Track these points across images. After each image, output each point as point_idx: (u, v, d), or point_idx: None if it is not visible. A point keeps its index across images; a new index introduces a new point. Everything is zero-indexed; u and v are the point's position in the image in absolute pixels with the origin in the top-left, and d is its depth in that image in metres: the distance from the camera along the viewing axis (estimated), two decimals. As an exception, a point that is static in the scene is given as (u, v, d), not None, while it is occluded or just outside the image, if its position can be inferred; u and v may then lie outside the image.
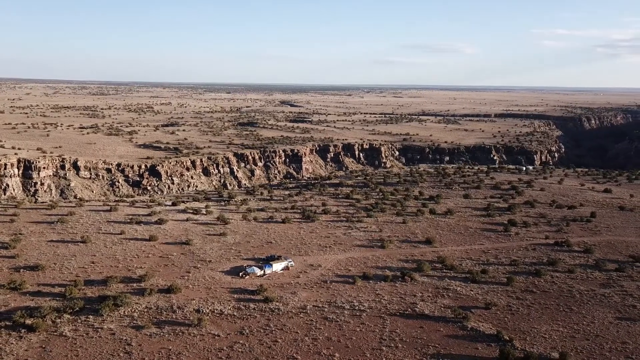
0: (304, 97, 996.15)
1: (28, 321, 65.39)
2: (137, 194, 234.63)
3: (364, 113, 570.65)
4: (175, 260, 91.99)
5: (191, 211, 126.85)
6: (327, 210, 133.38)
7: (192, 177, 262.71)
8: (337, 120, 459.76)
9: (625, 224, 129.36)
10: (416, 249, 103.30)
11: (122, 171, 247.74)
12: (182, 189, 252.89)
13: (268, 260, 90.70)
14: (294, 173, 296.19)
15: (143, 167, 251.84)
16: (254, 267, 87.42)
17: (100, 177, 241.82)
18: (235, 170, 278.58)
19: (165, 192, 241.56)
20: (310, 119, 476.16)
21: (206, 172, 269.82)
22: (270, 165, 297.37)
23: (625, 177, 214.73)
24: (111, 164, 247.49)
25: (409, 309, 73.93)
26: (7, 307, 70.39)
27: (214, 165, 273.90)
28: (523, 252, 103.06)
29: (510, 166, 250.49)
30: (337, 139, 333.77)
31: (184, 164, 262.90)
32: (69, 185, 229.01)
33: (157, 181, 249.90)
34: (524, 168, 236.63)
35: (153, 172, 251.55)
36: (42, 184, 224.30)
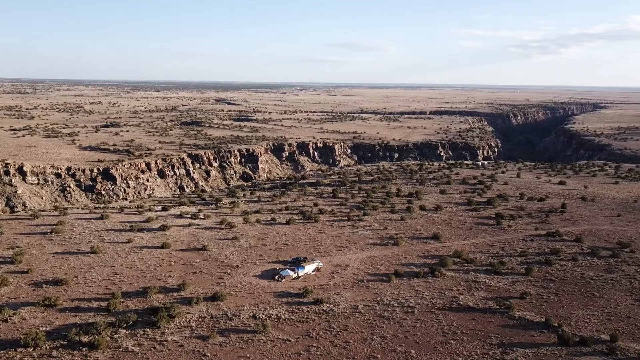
0: (239, 95, 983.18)
1: (84, 339, 62.01)
2: (91, 199, 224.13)
3: (305, 111, 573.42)
4: (202, 267, 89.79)
5: (189, 216, 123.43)
6: (323, 210, 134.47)
7: (147, 180, 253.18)
8: (283, 119, 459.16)
9: (594, 214, 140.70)
10: (428, 245, 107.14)
11: (73, 176, 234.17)
12: (139, 192, 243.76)
13: (295, 263, 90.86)
14: (251, 173, 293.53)
15: (95, 170, 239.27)
16: (287, 269, 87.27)
17: (50, 182, 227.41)
18: (191, 171, 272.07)
19: (121, 197, 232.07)
20: (255, 118, 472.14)
21: (161, 174, 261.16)
22: (226, 166, 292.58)
23: (570, 169, 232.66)
24: (60, 168, 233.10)
25: (454, 303, 77.21)
26: (52, 325, 66.09)
27: (169, 167, 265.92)
28: (524, 244, 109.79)
29: (468, 162, 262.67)
30: (290, 138, 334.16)
31: (139, 166, 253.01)
32: (15, 192, 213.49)
33: (111, 185, 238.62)
34: (480, 163, 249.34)
35: (106, 175, 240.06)
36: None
